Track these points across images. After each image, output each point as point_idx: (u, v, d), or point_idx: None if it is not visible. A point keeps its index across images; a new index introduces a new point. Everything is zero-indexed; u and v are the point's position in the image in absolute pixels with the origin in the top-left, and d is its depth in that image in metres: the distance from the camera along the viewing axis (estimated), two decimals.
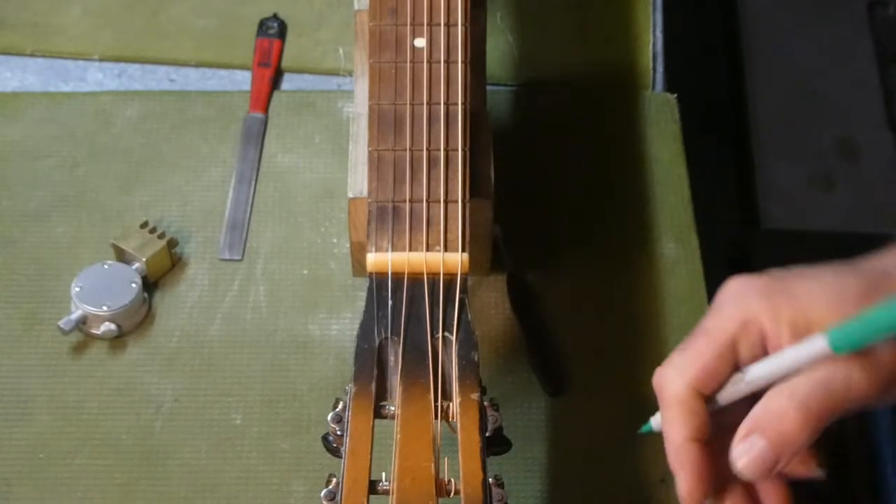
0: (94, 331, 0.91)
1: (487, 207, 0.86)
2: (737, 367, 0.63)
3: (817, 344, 0.59)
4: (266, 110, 1.06)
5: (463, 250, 0.77)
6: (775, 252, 1.58)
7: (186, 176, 1.01)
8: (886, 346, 0.58)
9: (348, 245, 0.94)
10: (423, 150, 0.80)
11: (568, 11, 1.14)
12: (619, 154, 1.04)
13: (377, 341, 0.72)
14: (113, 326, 0.90)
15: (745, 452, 0.61)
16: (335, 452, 0.69)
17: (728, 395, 0.64)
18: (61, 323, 0.90)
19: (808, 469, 0.63)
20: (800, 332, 0.61)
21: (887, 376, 0.59)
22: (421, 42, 0.82)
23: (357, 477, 0.65)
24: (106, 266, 0.93)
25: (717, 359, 0.63)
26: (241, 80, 1.08)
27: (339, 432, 0.68)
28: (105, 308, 0.90)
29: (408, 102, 0.81)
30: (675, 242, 0.98)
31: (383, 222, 0.78)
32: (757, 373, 0.63)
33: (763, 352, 0.63)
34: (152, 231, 0.95)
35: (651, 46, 1.12)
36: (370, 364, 0.71)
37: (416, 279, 0.75)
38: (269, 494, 0.85)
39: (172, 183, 1.01)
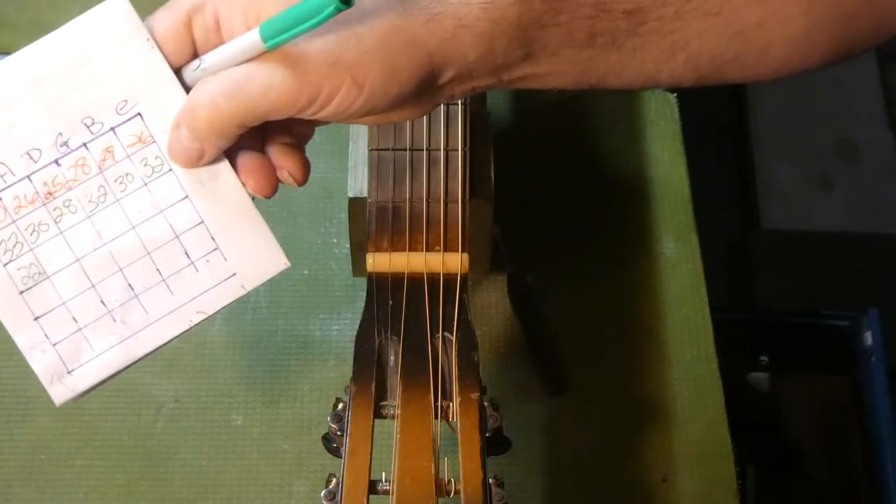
0: None
1: (487, 207, 0.86)
2: (196, 54, 0.59)
3: (252, 36, 0.56)
4: None
5: (463, 250, 0.77)
6: (775, 252, 1.58)
7: None
8: (316, 54, 0.55)
9: (348, 245, 0.94)
10: (423, 149, 0.80)
11: None
12: (619, 154, 1.04)
13: (377, 341, 0.72)
14: None
15: (175, 141, 0.59)
16: (335, 452, 0.69)
17: (189, 80, 0.59)
18: None
19: (292, 164, 0.61)
20: (250, 23, 0.57)
21: (317, 86, 0.55)
22: None
23: (357, 477, 0.65)
24: None
25: (171, 34, 0.59)
26: None
27: (339, 432, 0.68)
28: None
29: None
30: (675, 242, 0.98)
31: (383, 222, 0.78)
32: (210, 60, 0.58)
33: (217, 38, 0.58)
34: None
35: None
36: (370, 364, 0.71)
37: (415, 279, 0.75)
38: (270, 495, 0.85)
39: None
